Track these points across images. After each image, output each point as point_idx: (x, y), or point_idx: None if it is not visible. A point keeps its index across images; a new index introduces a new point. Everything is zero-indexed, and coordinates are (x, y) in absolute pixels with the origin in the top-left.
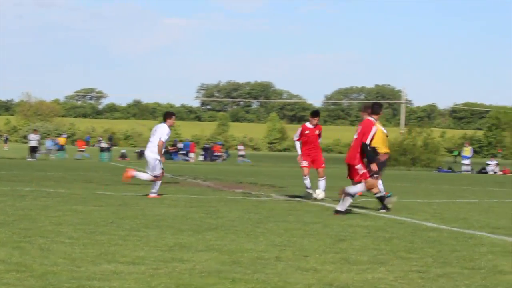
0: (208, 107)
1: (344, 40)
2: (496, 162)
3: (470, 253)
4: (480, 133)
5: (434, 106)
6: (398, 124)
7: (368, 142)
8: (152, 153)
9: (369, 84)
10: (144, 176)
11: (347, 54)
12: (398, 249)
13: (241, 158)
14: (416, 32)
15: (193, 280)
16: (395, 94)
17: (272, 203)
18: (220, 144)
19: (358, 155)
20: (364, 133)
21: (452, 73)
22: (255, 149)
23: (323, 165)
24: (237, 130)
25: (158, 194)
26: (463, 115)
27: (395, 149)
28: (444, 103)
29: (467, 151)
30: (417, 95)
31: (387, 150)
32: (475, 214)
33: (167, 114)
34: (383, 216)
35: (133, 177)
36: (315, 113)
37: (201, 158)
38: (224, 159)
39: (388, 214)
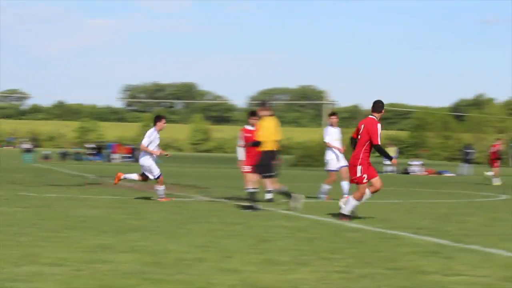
0: (132, 108)
1: (268, 41)
2: (420, 163)
3: (392, 253)
4: (404, 134)
5: (358, 106)
6: (321, 125)
7: (379, 142)
8: (141, 159)
9: (293, 84)
10: (133, 176)
11: (271, 54)
12: (321, 250)
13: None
14: (340, 33)
15: (115, 281)
16: (319, 95)
17: (195, 204)
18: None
19: (360, 155)
20: (371, 134)
21: (376, 74)
22: (179, 150)
23: None
24: (161, 131)
25: (167, 197)
26: (387, 116)
27: (320, 150)
28: (368, 104)
29: (391, 151)
30: (341, 96)
31: (273, 147)
32: (398, 215)
33: (155, 117)
34: (305, 217)
35: (124, 178)
36: (253, 113)
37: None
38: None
39: (310, 215)
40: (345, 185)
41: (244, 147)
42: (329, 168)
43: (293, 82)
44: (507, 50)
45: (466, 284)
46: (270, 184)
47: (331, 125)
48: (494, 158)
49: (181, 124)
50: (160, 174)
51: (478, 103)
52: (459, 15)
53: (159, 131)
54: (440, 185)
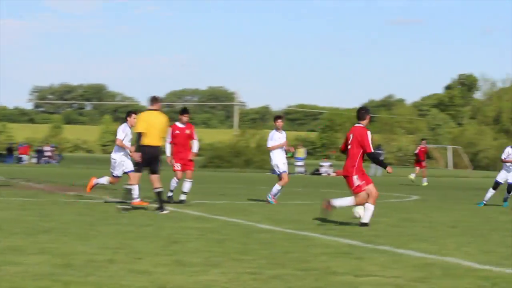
0: (42, 109)
1: (177, 42)
2: (330, 164)
3: (303, 254)
4: (313, 135)
5: (268, 108)
6: (231, 126)
7: (372, 150)
8: (113, 153)
9: (203, 86)
10: (103, 180)
11: (181, 56)
12: (231, 251)
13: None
14: (249, 33)
15: (25, 283)
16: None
17: (105, 206)
18: (53, 147)
19: (355, 165)
20: (362, 143)
21: (286, 74)
22: (88, 151)
23: (192, 168)
24: (71, 132)
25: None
26: (297, 117)
27: (229, 151)
28: (277, 105)
29: (301, 152)
30: (251, 97)
31: (155, 142)
32: (309, 216)
33: (126, 114)
34: (216, 218)
35: (97, 184)
36: (185, 110)
37: (34, 160)
38: (57, 162)
39: (221, 216)
40: (277, 187)
41: (172, 143)
42: (280, 171)
43: (203, 83)
44: (416, 51)
45: (377, 285)
46: (157, 181)
47: (277, 129)
48: (420, 159)
49: (91, 125)
50: (117, 176)
51: (388, 104)
52: (368, 15)
53: (131, 126)
54: None
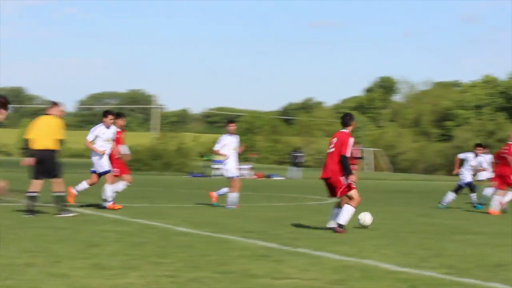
0: None
1: (97, 45)
2: (249, 166)
3: (221, 257)
4: None
5: (187, 111)
6: (150, 129)
7: (348, 155)
8: (92, 155)
9: (122, 89)
10: (82, 185)
11: (100, 58)
12: (150, 254)
13: None
14: (168, 36)
15: None
16: (147, 99)
17: (23, 209)
18: None
19: (338, 168)
20: (342, 145)
21: (205, 78)
22: (7, 154)
23: (128, 172)
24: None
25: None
26: (216, 120)
27: (148, 154)
28: (197, 108)
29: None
30: (170, 100)
31: (45, 146)
32: (227, 218)
33: (103, 113)
34: (135, 222)
35: (77, 192)
36: (118, 114)
37: None
38: None
39: (139, 219)
40: (225, 190)
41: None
42: (229, 175)
43: (122, 86)
44: (336, 54)
45: None
46: (57, 185)
47: (229, 133)
48: (352, 163)
49: (10, 128)
50: (109, 171)
51: (307, 107)
52: (288, 17)
53: (107, 127)
54: (269, 188)
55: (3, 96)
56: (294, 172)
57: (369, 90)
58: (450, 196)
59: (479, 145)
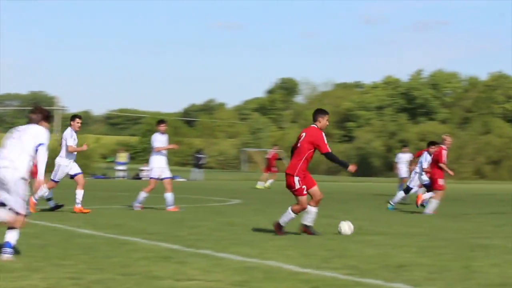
0: None
1: None
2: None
3: (124, 259)
4: (134, 139)
5: (89, 112)
6: (52, 131)
7: (329, 150)
8: (58, 157)
9: (24, 90)
10: (42, 191)
11: (0, 59)
12: (52, 256)
13: None
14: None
15: None
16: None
17: None
18: None
19: (299, 164)
20: (317, 143)
21: (106, 79)
22: None
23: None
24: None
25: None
26: (118, 121)
27: (49, 156)
28: (99, 109)
29: (123, 157)
30: (72, 102)
31: None
32: (130, 220)
33: (71, 118)
34: (37, 224)
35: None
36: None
37: None
38: None
39: (42, 221)
40: (169, 196)
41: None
42: (151, 176)
43: (23, 88)
44: (236, 55)
45: None
46: None
47: (160, 132)
48: (271, 165)
49: None
50: (58, 181)
51: (209, 108)
52: (189, 18)
53: (76, 131)
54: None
55: (47, 110)
56: (196, 174)
57: (270, 92)
58: (399, 195)
59: (432, 143)
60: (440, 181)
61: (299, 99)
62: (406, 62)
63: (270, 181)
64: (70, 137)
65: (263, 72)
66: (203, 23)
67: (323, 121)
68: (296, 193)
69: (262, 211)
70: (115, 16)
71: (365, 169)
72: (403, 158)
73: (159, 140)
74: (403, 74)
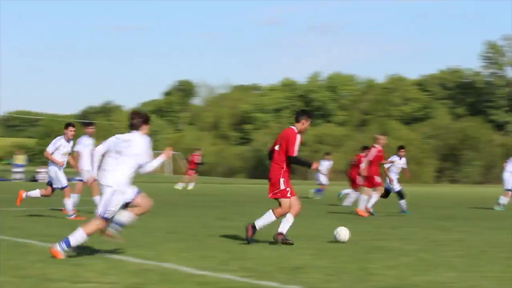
0: None
1: None
2: (46, 170)
3: (21, 261)
4: (32, 141)
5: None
6: None
7: (295, 154)
8: (49, 167)
9: None
10: (34, 193)
11: None
12: None
13: None
14: None
15: None
16: None
17: None
18: None
19: (282, 167)
20: (287, 145)
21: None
22: None
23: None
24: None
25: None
26: (15, 123)
27: None
28: None
29: (20, 159)
30: None
31: None
32: (27, 223)
33: (65, 126)
34: None
35: (26, 197)
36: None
37: None
38: None
39: None
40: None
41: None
42: (80, 178)
43: None
44: (133, 57)
45: None
46: None
47: (88, 135)
48: (192, 168)
49: None
50: (66, 186)
51: (106, 111)
52: (83, 20)
53: (68, 140)
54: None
55: (145, 113)
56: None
57: (167, 94)
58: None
59: (401, 147)
60: (377, 178)
61: (196, 101)
62: (303, 64)
63: (192, 184)
64: (52, 144)
65: (160, 74)
66: (102, 25)
67: (305, 124)
68: (280, 194)
69: (158, 213)
70: (11, 16)
71: (261, 171)
72: (325, 165)
73: (84, 143)
74: (301, 77)
